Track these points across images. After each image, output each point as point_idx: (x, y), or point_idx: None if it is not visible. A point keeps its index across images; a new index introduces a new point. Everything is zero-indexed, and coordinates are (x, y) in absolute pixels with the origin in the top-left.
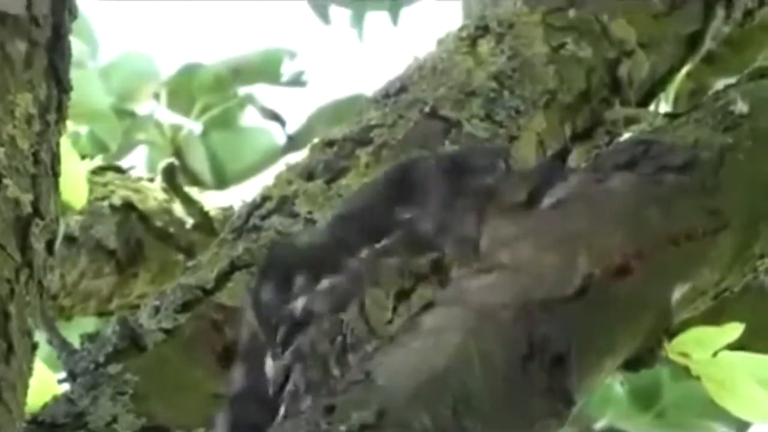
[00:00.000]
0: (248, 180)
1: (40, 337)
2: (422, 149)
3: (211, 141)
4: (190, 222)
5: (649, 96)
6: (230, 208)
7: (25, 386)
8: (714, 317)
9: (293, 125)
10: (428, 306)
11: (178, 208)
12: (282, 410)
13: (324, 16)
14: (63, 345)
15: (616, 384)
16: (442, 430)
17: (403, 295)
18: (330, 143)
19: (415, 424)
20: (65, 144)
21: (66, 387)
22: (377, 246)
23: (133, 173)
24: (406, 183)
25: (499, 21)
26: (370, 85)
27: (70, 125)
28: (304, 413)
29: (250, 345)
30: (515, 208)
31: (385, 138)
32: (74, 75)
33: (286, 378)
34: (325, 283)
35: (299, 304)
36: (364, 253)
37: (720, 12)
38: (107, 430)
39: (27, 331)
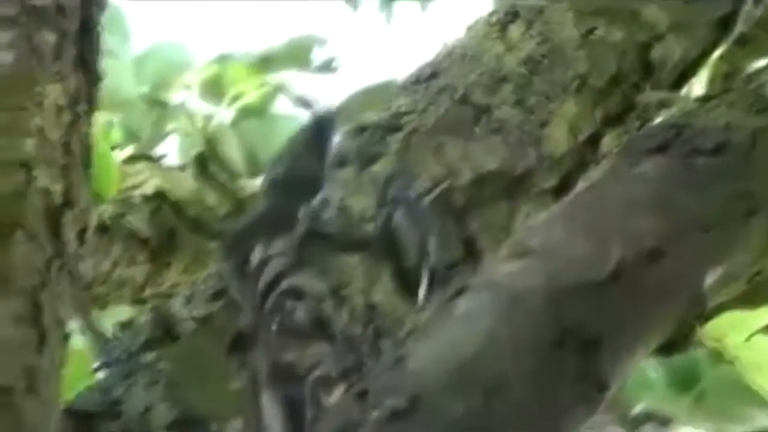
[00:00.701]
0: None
1: (74, 326)
2: (453, 136)
3: (242, 129)
4: (222, 210)
5: (681, 79)
6: None
7: (59, 376)
8: (748, 301)
9: None
10: (460, 291)
11: (210, 197)
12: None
13: (352, 3)
14: (97, 334)
15: (651, 369)
16: (473, 416)
17: (435, 281)
18: (361, 130)
19: (447, 411)
20: (97, 134)
21: (100, 376)
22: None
23: (165, 162)
24: (318, 138)
25: (529, 6)
26: (401, 72)
27: (101, 115)
28: (336, 399)
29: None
30: (546, 194)
31: (416, 124)
32: (106, 65)
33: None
34: (279, 244)
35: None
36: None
37: None
38: (141, 420)
39: (59, 321)
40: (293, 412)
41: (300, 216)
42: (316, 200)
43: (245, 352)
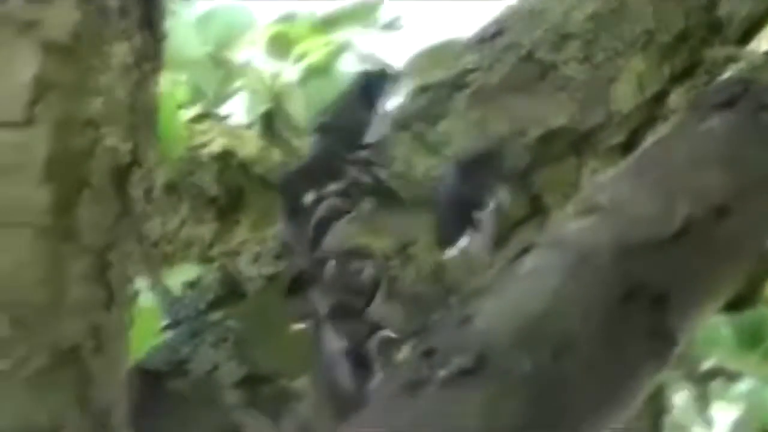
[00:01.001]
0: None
1: (142, 285)
2: (519, 93)
3: (308, 87)
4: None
5: (747, 35)
6: None
7: (127, 334)
8: None
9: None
10: (527, 249)
11: (276, 155)
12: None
13: None
14: (165, 292)
15: (720, 325)
16: (542, 374)
17: (502, 239)
18: (426, 88)
19: (515, 369)
20: (163, 93)
21: (168, 334)
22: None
23: (232, 121)
24: (367, 90)
25: None
26: (466, 31)
27: (167, 74)
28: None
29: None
30: (614, 150)
31: (482, 82)
32: (171, 24)
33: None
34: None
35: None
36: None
37: None
38: (209, 378)
39: (127, 279)
40: (356, 350)
41: (350, 162)
42: (374, 152)
43: (304, 292)
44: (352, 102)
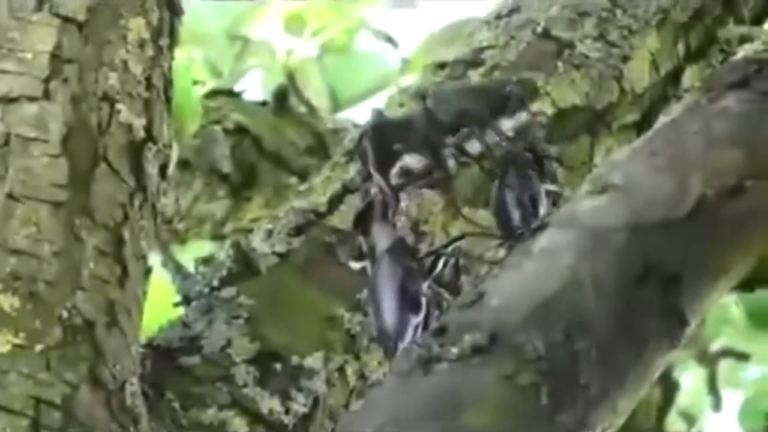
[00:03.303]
0: (361, 103)
1: (154, 261)
2: (534, 70)
3: (324, 64)
4: (302, 145)
5: (763, 14)
6: (344, 131)
7: (140, 310)
8: None
9: (406, 48)
10: (541, 227)
11: (290, 132)
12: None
13: None
14: (177, 269)
15: (732, 305)
16: (554, 353)
17: None
18: (442, 65)
19: (528, 348)
20: (179, 69)
21: (181, 311)
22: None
23: (246, 97)
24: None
25: None
26: (483, 7)
27: (183, 50)
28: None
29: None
30: (628, 128)
31: (497, 59)
32: (187, 0)
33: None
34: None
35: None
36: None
37: None
38: (222, 355)
39: (141, 255)
40: (407, 289)
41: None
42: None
43: (369, 224)
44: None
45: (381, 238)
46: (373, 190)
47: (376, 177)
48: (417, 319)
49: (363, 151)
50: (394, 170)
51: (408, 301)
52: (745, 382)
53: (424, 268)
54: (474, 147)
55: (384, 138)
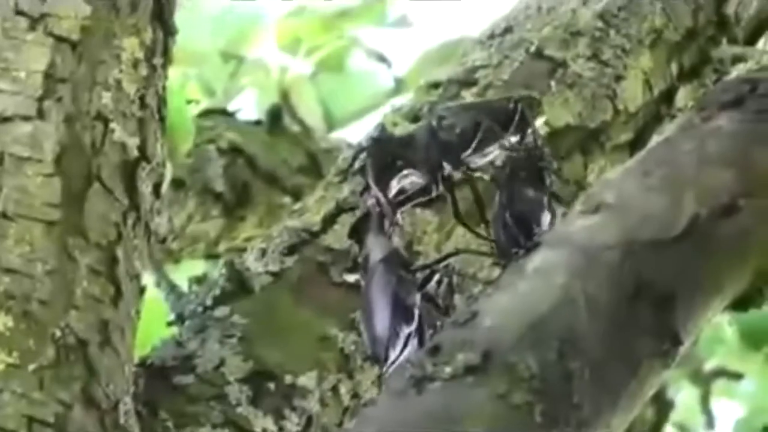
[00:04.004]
0: (355, 122)
1: (148, 280)
2: (527, 89)
3: (318, 83)
4: (296, 165)
5: (756, 34)
6: (337, 150)
7: (134, 329)
8: None
9: (400, 68)
10: (534, 247)
11: (284, 151)
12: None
13: None
14: (171, 288)
15: (725, 325)
16: (548, 372)
17: None
18: (435, 85)
19: (521, 367)
20: (173, 88)
21: (174, 329)
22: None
23: (240, 116)
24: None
25: None
26: (476, 27)
27: (177, 69)
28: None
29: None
30: (621, 148)
31: (491, 79)
32: (181, 19)
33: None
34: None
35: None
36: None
37: None
38: (215, 374)
39: (135, 274)
40: (400, 299)
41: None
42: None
43: (364, 235)
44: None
45: (375, 248)
46: (370, 202)
47: (374, 190)
48: (409, 329)
49: (363, 165)
50: (393, 186)
51: (400, 311)
52: (739, 396)
53: (417, 280)
54: (482, 161)
55: (385, 153)
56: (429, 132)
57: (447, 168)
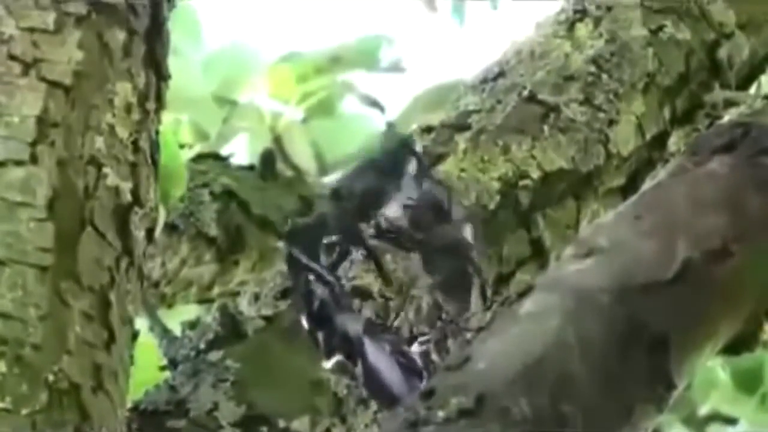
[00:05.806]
0: (348, 167)
1: (141, 324)
2: (520, 135)
3: (311, 128)
4: (289, 209)
5: (749, 78)
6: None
7: (126, 374)
8: None
9: (392, 112)
10: (527, 291)
11: (277, 196)
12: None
13: (430, 4)
14: (164, 332)
15: (719, 369)
16: (540, 416)
17: (502, 280)
18: (428, 129)
19: (514, 411)
20: (166, 132)
21: (167, 374)
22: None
23: (233, 160)
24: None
25: (597, 4)
26: (469, 71)
27: (170, 114)
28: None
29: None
30: (614, 192)
31: (484, 123)
32: (174, 63)
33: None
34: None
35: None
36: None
37: None
38: (208, 418)
39: (128, 319)
40: (401, 356)
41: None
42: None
43: (331, 321)
44: (371, 170)
45: (349, 324)
46: (320, 291)
47: (318, 270)
48: (424, 383)
49: (290, 257)
50: (326, 262)
51: (407, 369)
52: None
53: (403, 336)
54: (390, 218)
55: (306, 237)
56: (333, 206)
57: (362, 230)
